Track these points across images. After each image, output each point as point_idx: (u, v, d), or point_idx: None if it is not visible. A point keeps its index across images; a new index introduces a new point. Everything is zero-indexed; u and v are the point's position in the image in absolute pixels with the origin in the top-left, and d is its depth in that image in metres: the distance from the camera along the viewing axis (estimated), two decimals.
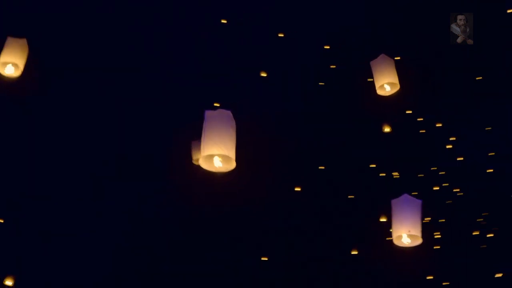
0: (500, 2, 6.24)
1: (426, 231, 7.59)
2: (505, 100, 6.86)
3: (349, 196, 7.40)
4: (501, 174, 7.25)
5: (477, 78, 6.75)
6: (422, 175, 7.27)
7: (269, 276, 7.82)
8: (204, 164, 3.83)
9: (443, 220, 7.53)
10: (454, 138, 7.34)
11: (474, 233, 7.64)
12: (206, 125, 3.74)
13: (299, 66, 7.06)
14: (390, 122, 7.21)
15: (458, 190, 7.26)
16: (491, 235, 7.66)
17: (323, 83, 7.06)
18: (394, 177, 7.33)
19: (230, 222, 7.55)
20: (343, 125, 7.32)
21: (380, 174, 7.47)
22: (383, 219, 7.53)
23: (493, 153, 7.09)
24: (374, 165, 7.31)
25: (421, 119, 7.22)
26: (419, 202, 4.63)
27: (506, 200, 7.34)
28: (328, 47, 6.96)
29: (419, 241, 4.66)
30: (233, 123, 3.80)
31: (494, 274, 7.75)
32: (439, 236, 7.66)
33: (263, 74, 6.85)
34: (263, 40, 6.88)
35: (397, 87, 5.45)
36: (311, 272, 7.99)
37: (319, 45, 7.00)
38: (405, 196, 4.64)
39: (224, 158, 3.76)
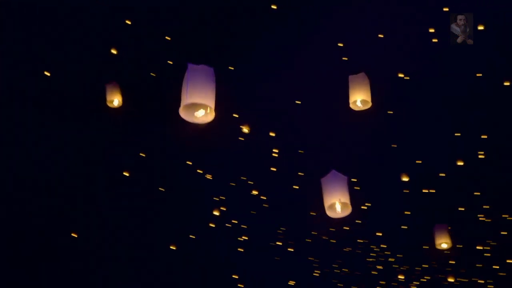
0: None
1: (229, 236, 8.07)
2: None
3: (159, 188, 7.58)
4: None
5: None
6: (234, 184, 7.59)
7: None
8: (183, 114, 3.89)
9: (245, 227, 7.94)
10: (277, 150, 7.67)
11: (277, 243, 8.12)
12: (189, 77, 3.83)
13: None
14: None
15: (265, 198, 7.66)
16: (291, 249, 8.19)
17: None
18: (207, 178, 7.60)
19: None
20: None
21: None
22: (216, 213, 7.78)
23: (302, 174, 7.55)
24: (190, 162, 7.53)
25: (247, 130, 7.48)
26: (345, 177, 4.94)
27: (303, 217, 7.88)
28: None
29: (349, 210, 4.91)
30: (214, 79, 3.92)
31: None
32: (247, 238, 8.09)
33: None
34: None
35: (369, 104, 5.68)
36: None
37: None
38: (333, 172, 4.94)
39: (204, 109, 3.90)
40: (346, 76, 6.01)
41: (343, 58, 6.61)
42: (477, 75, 6.62)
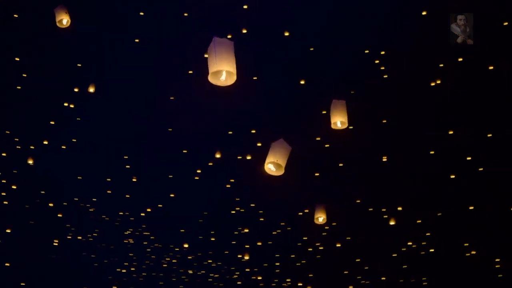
0: None
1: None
2: None
3: None
4: None
5: None
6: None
7: None
8: (211, 79, 4.64)
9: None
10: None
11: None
12: (216, 47, 4.58)
13: None
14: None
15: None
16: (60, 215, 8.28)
17: None
18: None
19: None
20: None
21: None
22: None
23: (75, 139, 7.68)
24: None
25: None
26: (290, 148, 5.46)
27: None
28: None
29: (281, 171, 5.39)
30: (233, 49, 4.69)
31: None
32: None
33: None
34: None
35: (345, 124, 6.36)
36: None
37: None
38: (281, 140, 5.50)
39: (227, 74, 4.66)
40: None
41: None
42: None
